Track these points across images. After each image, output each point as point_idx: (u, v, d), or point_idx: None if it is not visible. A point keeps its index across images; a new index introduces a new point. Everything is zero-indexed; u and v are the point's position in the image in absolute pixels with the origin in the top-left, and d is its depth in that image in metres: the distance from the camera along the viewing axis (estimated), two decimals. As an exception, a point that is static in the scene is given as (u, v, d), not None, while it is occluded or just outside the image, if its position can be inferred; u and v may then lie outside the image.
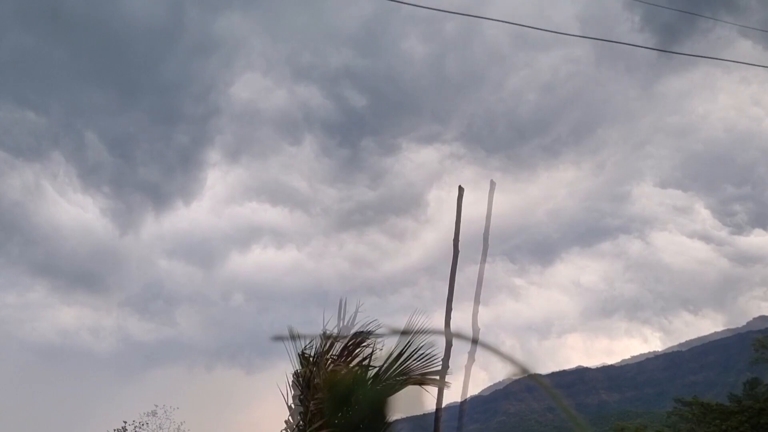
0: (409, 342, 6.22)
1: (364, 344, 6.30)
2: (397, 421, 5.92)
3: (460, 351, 5.47)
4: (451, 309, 5.48)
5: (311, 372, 6.13)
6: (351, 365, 6.23)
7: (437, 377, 6.19)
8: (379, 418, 5.88)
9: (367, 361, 6.17)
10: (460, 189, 5.85)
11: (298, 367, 6.34)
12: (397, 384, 6.06)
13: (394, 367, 6.15)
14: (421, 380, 6.16)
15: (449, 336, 5.49)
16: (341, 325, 6.36)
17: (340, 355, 6.29)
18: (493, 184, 5.87)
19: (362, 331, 6.30)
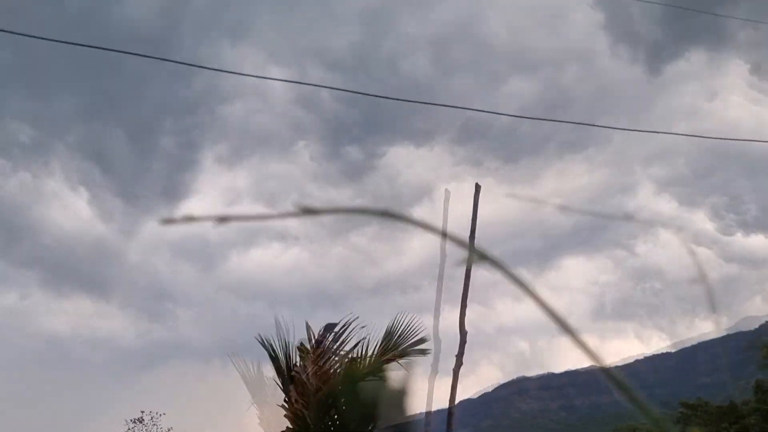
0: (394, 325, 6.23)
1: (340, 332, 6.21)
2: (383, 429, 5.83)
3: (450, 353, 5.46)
4: (466, 306, 5.49)
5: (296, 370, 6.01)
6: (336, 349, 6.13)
7: (420, 350, 6.16)
8: (366, 422, 5.82)
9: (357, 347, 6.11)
10: (477, 186, 5.85)
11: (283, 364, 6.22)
12: (382, 364, 6.01)
13: (381, 347, 6.15)
14: (406, 353, 6.14)
15: (464, 332, 5.51)
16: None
17: (322, 345, 6.18)
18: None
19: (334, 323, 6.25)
